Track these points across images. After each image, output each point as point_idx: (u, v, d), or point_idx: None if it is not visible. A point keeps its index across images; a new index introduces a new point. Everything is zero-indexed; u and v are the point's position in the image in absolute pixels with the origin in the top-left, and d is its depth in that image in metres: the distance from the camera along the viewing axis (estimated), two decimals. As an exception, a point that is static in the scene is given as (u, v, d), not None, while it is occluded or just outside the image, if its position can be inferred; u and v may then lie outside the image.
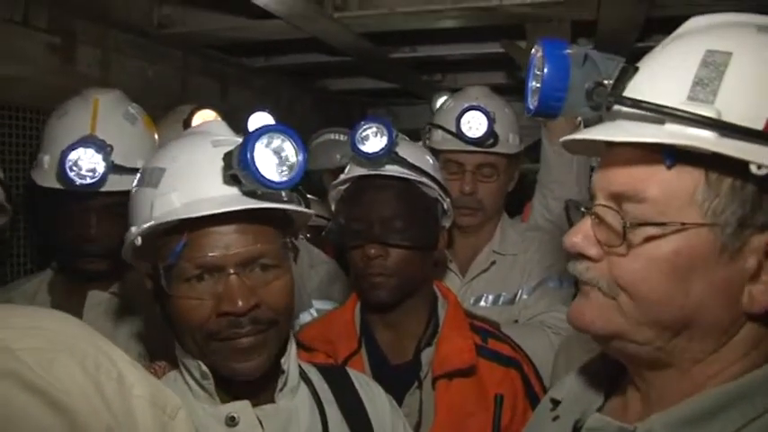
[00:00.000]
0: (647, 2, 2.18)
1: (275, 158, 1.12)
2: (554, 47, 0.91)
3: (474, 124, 2.13)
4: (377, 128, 1.65)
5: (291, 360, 1.29)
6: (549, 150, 2.37)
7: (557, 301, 2.17)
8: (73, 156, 1.61)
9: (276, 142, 1.12)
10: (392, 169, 1.67)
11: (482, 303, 2.25)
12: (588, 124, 0.95)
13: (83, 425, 0.71)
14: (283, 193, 1.21)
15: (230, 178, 1.14)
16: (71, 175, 1.61)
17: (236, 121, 2.40)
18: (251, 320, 1.16)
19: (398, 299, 1.68)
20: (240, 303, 1.14)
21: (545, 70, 0.90)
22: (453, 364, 1.64)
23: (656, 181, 0.81)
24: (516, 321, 2.19)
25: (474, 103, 2.20)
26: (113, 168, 1.65)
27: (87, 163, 1.62)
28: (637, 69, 0.86)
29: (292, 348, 1.30)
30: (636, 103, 0.81)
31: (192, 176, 1.18)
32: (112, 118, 1.75)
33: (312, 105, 4.12)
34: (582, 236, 0.88)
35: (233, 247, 1.15)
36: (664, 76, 0.83)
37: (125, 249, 1.25)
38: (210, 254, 1.14)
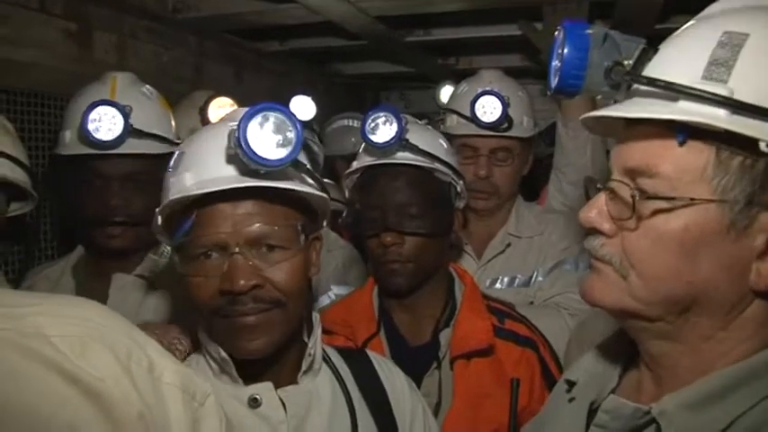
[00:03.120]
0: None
1: (272, 136, 1.12)
2: (575, 27, 0.93)
3: (488, 108, 2.13)
4: (386, 116, 1.65)
5: (317, 343, 1.31)
6: (564, 134, 2.37)
7: (572, 283, 2.16)
8: (93, 115, 1.65)
9: (271, 120, 1.12)
10: (403, 156, 1.67)
11: (498, 285, 2.25)
12: (607, 101, 0.97)
13: (116, 412, 0.72)
14: (296, 175, 1.22)
15: (233, 158, 1.16)
16: (92, 131, 1.64)
17: (251, 105, 2.44)
18: (253, 299, 1.17)
19: (416, 284, 1.69)
20: (241, 283, 1.15)
21: (565, 49, 0.91)
22: (471, 345, 1.65)
23: (668, 157, 0.83)
24: (532, 303, 2.20)
25: (488, 88, 2.20)
26: (132, 132, 1.68)
27: (107, 122, 1.66)
28: (656, 51, 0.88)
29: (318, 331, 1.32)
30: (651, 81, 0.83)
31: (204, 158, 1.20)
32: (130, 90, 1.80)
33: (326, 90, 4.12)
34: (596, 211, 0.90)
35: (238, 226, 1.16)
36: (681, 56, 0.85)
37: (154, 228, 1.27)
38: (216, 232, 1.16)
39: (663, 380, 0.92)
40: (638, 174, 0.85)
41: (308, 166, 1.21)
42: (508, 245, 2.28)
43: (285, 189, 1.18)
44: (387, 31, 2.81)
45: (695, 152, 0.81)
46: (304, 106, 2.84)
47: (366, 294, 1.78)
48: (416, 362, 1.67)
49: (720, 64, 0.80)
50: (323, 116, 3.09)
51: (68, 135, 1.74)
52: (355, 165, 1.76)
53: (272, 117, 1.12)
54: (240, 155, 1.11)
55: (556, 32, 0.97)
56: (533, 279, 2.24)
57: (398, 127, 1.63)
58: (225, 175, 1.17)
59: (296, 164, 1.17)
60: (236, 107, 2.37)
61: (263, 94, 3.35)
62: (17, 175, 1.58)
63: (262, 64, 3.48)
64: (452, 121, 2.29)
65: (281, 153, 1.12)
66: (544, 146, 2.97)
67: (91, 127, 1.64)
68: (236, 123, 1.12)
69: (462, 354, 1.65)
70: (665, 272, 0.84)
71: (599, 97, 0.96)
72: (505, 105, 2.13)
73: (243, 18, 2.72)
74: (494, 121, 2.13)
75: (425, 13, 2.70)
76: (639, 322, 0.89)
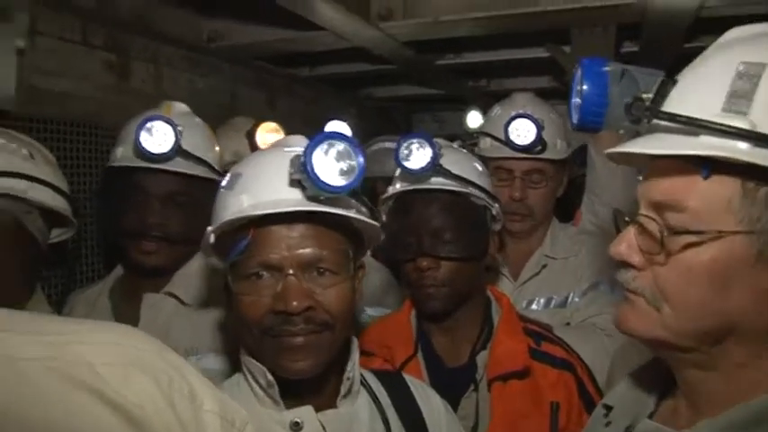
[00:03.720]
0: (695, 2, 2.16)
1: (335, 163, 1.16)
2: (592, 64, 0.95)
3: (522, 131, 2.14)
4: (419, 143, 1.67)
5: (355, 367, 1.32)
6: (596, 156, 2.37)
7: (609, 305, 2.15)
8: (146, 127, 1.71)
9: (336, 148, 1.16)
10: (437, 181, 1.68)
11: (534, 306, 2.26)
12: (632, 135, 0.97)
13: None
14: (352, 203, 1.25)
15: (295, 183, 1.19)
16: (142, 142, 1.70)
17: (285, 130, 2.49)
18: (304, 320, 1.19)
19: (452, 307, 1.70)
20: (295, 304, 1.17)
21: (584, 87, 0.93)
22: (507, 366, 1.65)
23: (694, 191, 0.83)
24: (568, 324, 2.19)
25: (521, 110, 2.21)
26: (180, 151, 1.74)
27: (159, 136, 1.72)
28: (675, 83, 0.89)
29: (356, 355, 1.33)
30: (672, 117, 0.84)
31: (262, 180, 1.23)
32: (183, 117, 1.86)
33: (358, 113, 4.16)
34: (626, 244, 0.90)
35: (293, 249, 1.19)
36: (701, 88, 0.86)
37: (203, 247, 1.30)
38: (271, 253, 1.19)
39: (699, 406, 0.92)
40: (665, 208, 0.86)
41: (361, 195, 1.25)
42: (544, 266, 2.28)
43: (341, 215, 1.21)
44: (416, 55, 2.83)
45: (720, 185, 0.82)
46: (340, 131, 2.87)
47: (404, 316, 1.80)
48: (454, 383, 1.68)
49: (740, 96, 0.81)
50: (357, 139, 3.10)
51: (120, 150, 1.81)
52: (390, 190, 1.78)
53: (338, 145, 1.16)
54: (304, 179, 1.15)
55: (574, 69, 0.98)
56: (569, 300, 2.24)
57: (432, 153, 1.64)
58: (284, 198, 1.20)
59: (352, 191, 1.20)
60: (281, 132, 2.44)
61: (295, 118, 3.42)
62: (58, 202, 1.63)
63: (293, 89, 3.53)
64: (486, 144, 2.30)
65: (343, 181, 1.15)
66: (576, 166, 2.96)
67: (142, 138, 1.70)
68: (298, 149, 1.16)
69: (499, 375, 1.65)
70: (696, 304, 0.85)
71: (621, 132, 0.97)
72: (539, 128, 2.14)
73: (274, 45, 2.78)
74: (528, 144, 2.14)
75: (454, 37, 2.72)
76: (673, 352, 0.90)
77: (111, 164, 1.82)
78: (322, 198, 1.18)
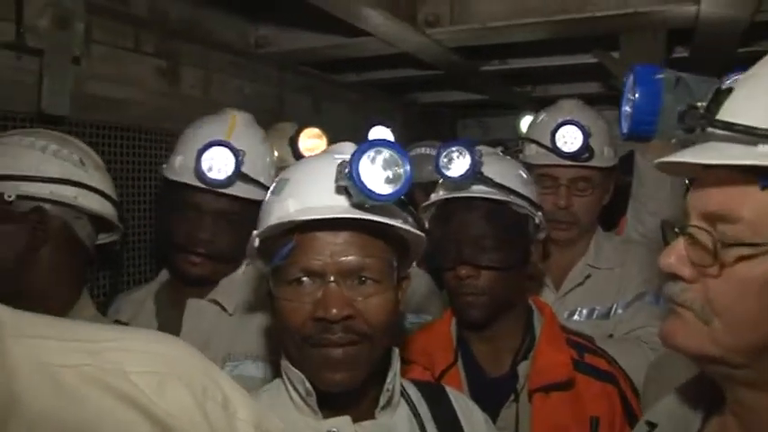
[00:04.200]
0: (751, 5, 2.11)
1: (382, 171, 1.15)
2: (645, 71, 0.93)
3: (569, 138, 2.12)
4: (459, 150, 1.66)
5: (396, 378, 1.31)
6: (643, 164, 2.33)
7: (654, 317, 2.12)
8: (208, 154, 1.73)
9: (382, 155, 1.15)
10: (478, 190, 1.68)
11: (576, 317, 2.22)
12: (684, 144, 0.95)
13: None
14: (397, 212, 1.24)
15: (341, 190, 1.19)
16: (205, 170, 1.72)
17: (330, 135, 2.51)
18: (343, 328, 1.18)
19: (492, 316, 1.69)
20: (335, 311, 1.16)
21: (636, 95, 0.91)
22: (550, 378, 1.64)
23: (749, 202, 0.81)
24: (611, 336, 2.16)
25: (568, 117, 2.18)
26: (240, 175, 1.76)
27: (220, 162, 1.74)
28: (731, 91, 0.86)
29: (397, 366, 1.32)
30: (728, 126, 0.81)
31: (309, 186, 1.23)
32: (247, 131, 1.88)
33: (402, 119, 4.16)
34: (675, 256, 0.88)
35: (336, 256, 1.18)
36: (757, 97, 0.83)
37: (249, 250, 1.30)
38: (314, 259, 1.19)
39: (750, 427, 0.90)
40: (719, 219, 0.84)
41: (408, 204, 1.24)
42: (588, 276, 2.25)
43: (386, 224, 1.20)
44: (462, 61, 2.83)
45: None
46: (383, 137, 2.88)
47: (445, 324, 1.79)
48: (494, 393, 1.67)
49: None
50: (400, 145, 3.10)
51: (179, 161, 1.82)
52: (432, 198, 1.78)
53: (384, 152, 1.15)
54: (350, 187, 1.14)
55: (625, 76, 0.97)
56: (613, 311, 2.20)
57: (472, 160, 1.64)
58: (329, 205, 1.19)
59: (399, 201, 1.19)
60: (323, 137, 2.46)
61: (340, 123, 3.43)
62: (105, 208, 1.67)
63: (339, 94, 3.55)
64: (531, 151, 2.29)
65: (389, 189, 1.14)
66: (622, 174, 2.92)
67: (204, 165, 1.72)
68: (346, 156, 1.15)
69: (541, 387, 1.63)
70: (749, 319, 0.82)
71: (673, 141, 0.95)
72: (587, 135, 2.12)
73: (320, 52, 2.79)
74: (574, 151, 2.12)
75: (501, 43, 2.70)
76: (723, 368, 0.87)
77: (169, 175, 1.83)
78: (368, 206, 1.18)
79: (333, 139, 2.48)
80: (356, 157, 1.13)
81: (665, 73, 0.90)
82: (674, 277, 0.89)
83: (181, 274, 1.84)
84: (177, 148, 1.87)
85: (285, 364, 1.28)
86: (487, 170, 1.67)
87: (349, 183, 1.14)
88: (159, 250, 2.14)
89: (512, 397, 1.66)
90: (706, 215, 0.86)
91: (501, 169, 1.71)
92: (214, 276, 1.84)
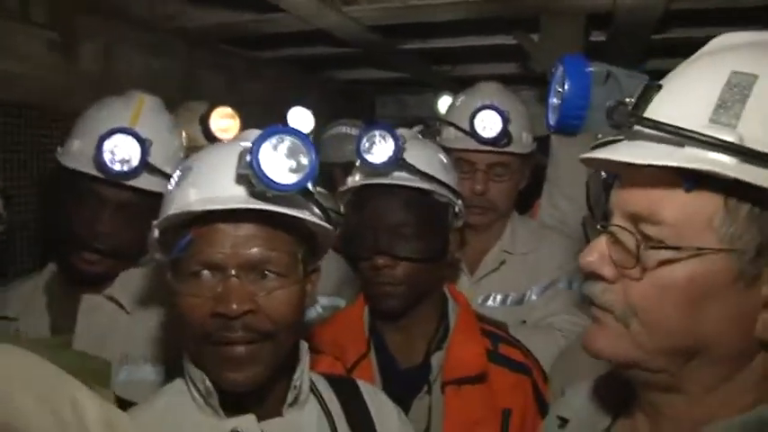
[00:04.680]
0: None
1: (285, 160, 1.10)
2: (576, 64, 0.88)
3: (488, 124, 2.08)
4: (381, 135, 1.61)
5: (304, 374, 1.27)
6: (558, 148, 2.33)
7: (567, 303, 2.14)
8: (111, 142, 1.59)
9: (285, 143, 1.11)
10: (399, 176, 1.63)
11: (489, 303, 2.21)
12: (606, 138, 0.92)
13: None
14: (304, 203, 1.19)
15: (242, 179, 1.14)
16: (107, 160, 1.58)
17: (246, 114, 2.41)
18: (243, 326, 1.13)
19: (408, 306, 1.65)
20: (234, 306, 1.11)
21: (566, 87, 0.86)
22: (463, 371, 1.62)
23: (673, 204, 0.79)
24: (524, 322, 2.16)
25: (487, 102, 2.15)
26: (146, 166, 1.62)
27: (123, 151, 1.59)
28: (660, 88, 0.84)
29: (305, 361, 1.28)
30: (657, 125, 0.79)
31: (211, 175, 1.18)
32: (155, 118, 1.74)
33: (320, 96, 4.07)
34: (597, 255, 0.86)
35: (237, 248, 1.14)
36: (687, 96, 0.81)
37: (149, 241, 1.24)
38: (214, 252, 1.14)
39: (660, 426, 0.89)
40: (642, 219, 0.82)
41: (316, 195, 1.19)
42: (503, 262, 2.24)
43: (290, 216, 1.16)
44: (380, 39, 2.76)
45: (702, 200, 0.78)
46: (302, 118, 2.78)
47: (357, 313, 1.74)
48: (406, 384, 1.64)
49: (728, 107, 0.76)
50: (318, 123, 3.03)
51: (77, 146, 1.67)
52: (349, 183, 1.71)
53: (287, 140, 1.11)
54: (250, 175, 1.09)
55: (554, 67, 0.92)
56: (526, 297, 2.20)
57: (395, 146, 1.59)
58: (230, 195, 1.14)
59: (305, 191, 1.15)
60: (236, 117, 2.35)
61: (255, 101, 3.33)
62: None
63: (254, 71, 3.43)
64: (450, 134, 2.25)
65: (293, 178, 1.10)
66: (537, 156, 2.93)
67: (106, 156, 1.58)
68: (249, 143, 1.10)
69: (454, 379, 1.61)
70: (670, 322, 0.81)
71: (599, 135, 0.91)
72: (506, 121, 2.09)
73: (234, 27, 2.67)
74: (493, 137, 2.09)
75: (421, 23, 2.65)
76: (642, 373, 0.86)
77: (65, 162, 1.67)
78: (270, 195, 1.12)
79: (247, 119, 2.41)
80: (257, 144, 1.08)
81: (595, 66, 0.86)
82: (595, 276, 0.86)
83: (74, 272, 1.70)
84: (75, 131, 1.71)
85: (187, 362, 1.23)
86: (410, 156, 1.62)
87: (249, 171, 1.09)
88: (48, 242, 1.99)
89: (425, 388, 1.63)
90: (629, 215, 0.84)
91: (424, 156, 1.66)
92: (111, 274, 1.71)
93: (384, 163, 1.59)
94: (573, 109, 0.87)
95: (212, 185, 1.16)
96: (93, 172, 1.61)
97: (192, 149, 1.84)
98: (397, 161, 1.59)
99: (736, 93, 0.76)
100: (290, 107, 2.96)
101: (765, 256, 0.77)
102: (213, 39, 2.92)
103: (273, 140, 1.10)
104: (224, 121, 2.33)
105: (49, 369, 0.85)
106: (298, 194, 1.15)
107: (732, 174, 0.74)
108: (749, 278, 0.78)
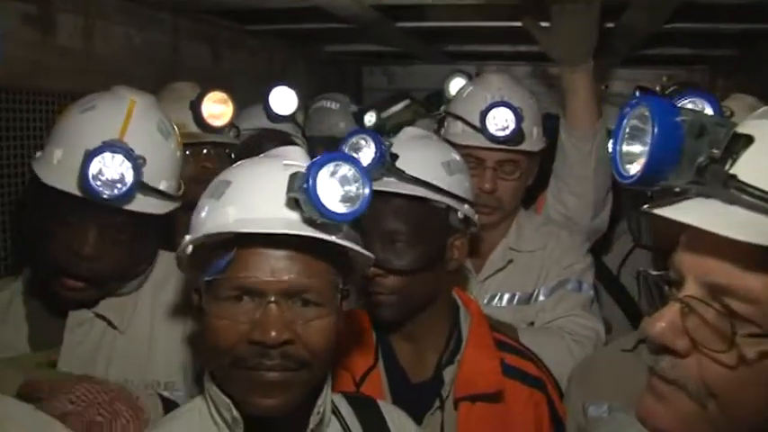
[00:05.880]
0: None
1: (339, 188, 1.08)
2: (665, 111, 0.75)
3: (500, 122, 1.99)
4: (365, 139, 1.55)
5: (327, 398, 1.23)
6: (568, 143, 2.25)
7: (576, 305, 2.09)
8: (97, 162, 1.39)
9: (342, 171, 1.09)
10: (389, 183, 1.54)
11: (496, 302, 2.15)
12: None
13: None
14: (344, 230, 1.15)
15: (291, 202, 1.10)
16: (93, 185, 1.39)
17: (231, 86, 2.26)
18: (281, 355, 1.10)
19: (406, 315, 1.59)
20: (273, 334, 1.08)
21: (654, 139, 0.74)
22: (478, 388, 1.56)
23: None
24: (532, 323, 2.10)
25: (497, 97, 2.06)
26: (139, 185, 1.44)
27: (113, 172, 1.41)
28: (750, 141, 0.73)
29: (329, 388, 1.24)
30: (765, 197, 0.69)
31: (253, 193, 1.14)
32: (147, 126, 1.54)
33: (306, 67, 3.92)
34: (668, 325, 0.76)
35: (278, 274, 1.10)
36: None
37: (178, 257, 1.20)
38: (254, 276, 1.10)
39: None
40: (728, 294, 0.72)
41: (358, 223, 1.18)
42: (510, 261, 2.17)
43: (337, 244, 1.13)
44: (379, 17, 2.61)
45: None
46: (285, 99, 2.63)
47: (362, 319, 1.65)
48: (418, 399, 1.58)
49: None
50: (304, 95, 2.89)
51: (58, 157, 1.48)
52: None
53: (344, 168, 1.09)
54: (302, 201, 1.07)
55: (634, 110, 0.79)
56: (534, 297, 2.14)
57: (377, 150, 1.52)
58: (277, 218, 1.11)
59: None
60: (229, 103, 2.22)
61: (241, 73, 3.18)
62: None
63: (239, 42, 3.26)
64: (457, 129, 2.15)
65: (347, 208, 1.08)
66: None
67: (93, 178, 1.39)
68: (296, 162, 1.11)
69: (468, 396, 1.55)
70: (755, 409, 0.74)
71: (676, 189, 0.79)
72: (519, 119, 1.99)
73: (220, 2, 2.50)
74: (506, 135, 2.00)
75: (420, 4, 2.51)
76: None
77: (45, 178, 1.46)
78: (318, 222, 1.09)
79: (234, 91, 2.27)
80: (314, 169, 1.06)
81: (686, 115, 0.74)
82: (664, 349, 0.77)
83: (55, 297, 1.55)
84: (55, 137, 1.52)
85: (209, 384, 1.19)
86: (403, 161, 1.55)
87: (303, 197, 1.06)
88: (23, 249, 1.81)
89: (437, 404, 1.58)
90: (710, 285, 0.74)
91: (419, 160, 1.59)
92: (97, 298, 1.57)
93: (369, 166, 1.51)
94: (661, 164, 0.75)
95: (254, 206, 1.13)
96: (78, 193, 1.43)
97: (182, 137, 1.70)
98: (382, 165, 1.53)
99: None
100: (275, 79, 2.81)
101: None
102: (198, 11, 2.74)
103: (331, 167, 1.07)
104: (216, 106, 2.19)
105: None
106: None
107: None
108: None
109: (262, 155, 1.26)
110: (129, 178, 1.42)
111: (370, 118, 3.15)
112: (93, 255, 1.47)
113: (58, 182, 1.45)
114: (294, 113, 2.68)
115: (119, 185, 1.41)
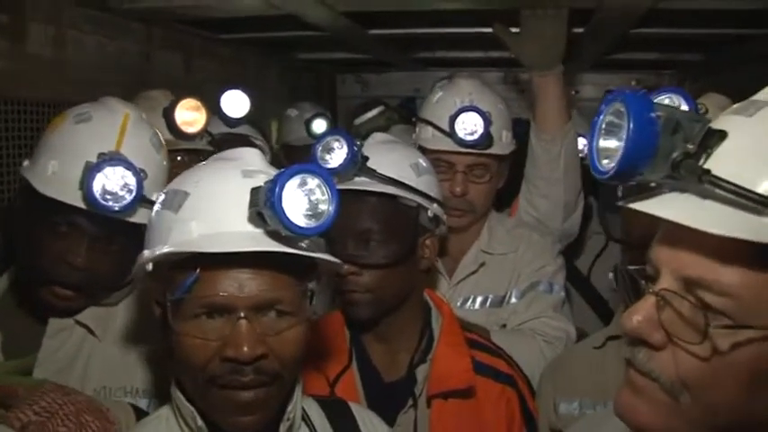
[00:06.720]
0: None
1: (305, 202, 1.06)
2: (641, 106, 0.75)
3: (469, 126, 2.02)
4: (338, 141, 1.58)
5: (297, 405, 1.22)
6: (537, 145, 2.28)
7: (548, 307, 2.12)
8: (102, 177, 1.40)
9: (309, 185, 1.06)
10: (361, 182, 1.59)
11: (468, 305, 2.17)
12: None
13: None
14: (309, 239, 1.14)
15: (255, 215, 1.07)
16: (99, 198, 1.40)
17: (203, 95, 2.27)
18: (255, 370, 1.08)
19: (379, 314, 1.62)
20: (246, 350, 1.06)
21: (629, 135, 0.74)
22: (450, 384, 1.59)
23: (744, 277, 0.71)
24: (504, 326, 2.13)
25: (467, 102, 2.08)
26: (140, 200, 1.44)
27: (115, 183, 1.41)
28: (724, 136, 0.74)
29: (298, 394, 1.22)
30: (739, 191, 0.69)
31: (215, 206, 1.11)
32: (141, 140, 1.54)
33: (279, 74, 3.92)
34: (644, 318, 0.77)
35: (247, 289, 1.08)
36: (760, 153, 0.72)
37: (136, 271, 1.17)
38: (222, 293, 1.08)
39: None
40: (701, 287, 0.73)
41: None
42: (482, 264, 2.19)
43: (306, 257, 1.12)
44: (351, 25, 2.63)
45: None
46: (236, 102, 2.64)
47: (336, 321, 1.67)
48: (391, 399, 1.60)
49: None
50: (277, 102, 2.91)
51: (53, 168, 1.46)
52: None
53: (310, 181, 1.06)
54: (268, 216, 1.04)
55: (612, 106, 0.80)
56: (506, 299, 2.17)
57: (349, 150, 1.55)
58: (240, 232, 1.09)
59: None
60: (203, 110, 2.23)
61: (213, 80, 3.16)
62: None
63: (210, 50, 3.25)
64: (427, 134, 2.17)
65: (313, 222, 1.06)
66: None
67: (98, 190, 1.40)
68: (261, 173, 1.10)
69: (440, 393, 1.58)
70: (727, 401, 0.74)
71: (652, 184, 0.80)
72: (488, 123, 2.02)
73: (191, 11, 2.49)
74: (475, 140, 2.02)
75: (396, 11, 2.54)
76: None
77: (42, 188, 1.45)
78: (282, 234, 1.06)
79: (205, 98, 2.27)
80: (280, 183, 1.03)
81: (662, 111, 0.75)
82: (640, 342, 0.78)
83: (39, 304, 1.54)
84: (48, 148, 1.50)
85: (176, 393, 1.17)
86: (374, 160, 1.60)
87: (269, 211, 1.03)
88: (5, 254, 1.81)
89: (410, 402, 1.60)
90: (685, 279, 0.75)
91: (389, 160, 1.63)
92: (84, 306, 1.57)
93: (342, 166, 1.57)
94: (636, 159, 0.75)
95: (217, 221, 1.10)
96: (81, 205, 1.43)
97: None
98: (355, 164, 1.57)
99: None
100: (248, 86, 2.82)
101: None
102: (168, 18, 2.74)
103: (297, 180, 1.05)
104: (189, 113, 2.19)
105: None
106: None
107: None
108: None
109: (214, 156, 1.25)
110: (134, 191, 1.42)
111: (318, 126, 3.21)
112: (85, 265, 1.47)
113: (59, 194, 1.43)
114: (247, 116, 2.70)
115: (125, 199, 1.42)
